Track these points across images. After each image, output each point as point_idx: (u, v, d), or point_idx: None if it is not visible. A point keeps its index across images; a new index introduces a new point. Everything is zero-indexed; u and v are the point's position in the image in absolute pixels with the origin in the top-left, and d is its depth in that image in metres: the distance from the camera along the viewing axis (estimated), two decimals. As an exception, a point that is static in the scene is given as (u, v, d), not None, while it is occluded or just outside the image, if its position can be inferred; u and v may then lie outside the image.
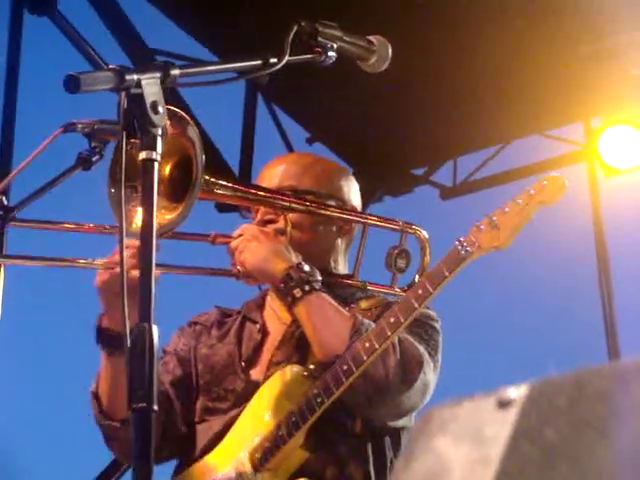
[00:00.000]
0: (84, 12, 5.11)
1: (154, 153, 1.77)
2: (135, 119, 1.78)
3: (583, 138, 5.83)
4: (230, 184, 2.71)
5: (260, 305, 2.87)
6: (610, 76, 5.31)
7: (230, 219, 5.05)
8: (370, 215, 2.89)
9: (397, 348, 2.54)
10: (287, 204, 2.74)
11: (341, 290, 2.78)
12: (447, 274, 2.43)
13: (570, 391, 1.08)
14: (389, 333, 2.46)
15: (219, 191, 2.68)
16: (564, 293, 6.15)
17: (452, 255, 2.44)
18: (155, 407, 1.66)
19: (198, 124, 2.36)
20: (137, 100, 1.78)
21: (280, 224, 2.76)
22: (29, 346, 5.95)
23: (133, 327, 2.62)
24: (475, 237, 2.42)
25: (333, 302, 2.63)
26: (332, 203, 2.83)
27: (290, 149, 5.90)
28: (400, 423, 2.68)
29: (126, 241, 2.57)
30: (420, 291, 2.46)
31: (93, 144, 2.31)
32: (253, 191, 2.77)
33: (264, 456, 2.58)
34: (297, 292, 2.60)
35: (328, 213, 2.79)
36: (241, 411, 2.68)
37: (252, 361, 2.76)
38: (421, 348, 2.60)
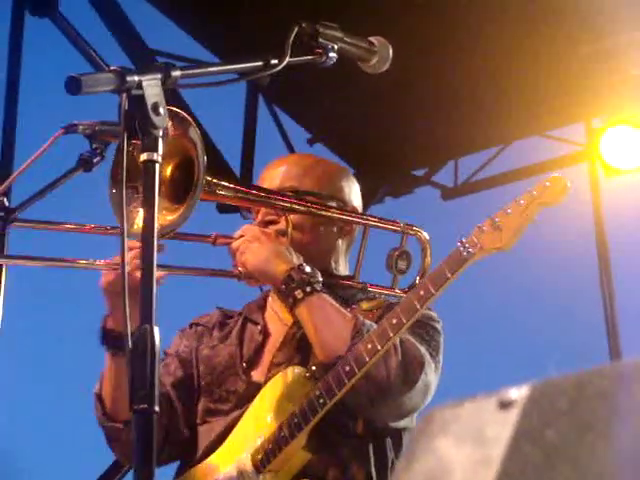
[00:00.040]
0: (85, 13, 5.12)
1: (155, 154, 1.77)
2: (136, 120, 1.78)
3: (584, 138, 5.83)
4: (231, 185, 2.71)
5: (261, 306, 2.87)
6: (611, 76, 5.31)
7: (231, 220, 5.05)
8: (371, 216, 2.89)
9: (399, 349, 2.54)
10: (288, 205, 2.74)
11: (342, 291, 2.78)
12: (449, 275, 2.42)
13: (571, 392, 1.08)
14: (391, 334, 2.46)
15: (220, 192, 2.68)
16: (565, 293, 6.15)
17: (454, 256, 2.43)
18: (156, 408, 1.66)
19: (199, 125, 2.36)
20: (138, 101, 1.79)
21: (281, 225, 2.76)
22: (29, 346, 5.95)
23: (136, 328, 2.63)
24: (477, 238, 2.42)
25: (334, 303, 2.63)
26: (333, 204, 2.83)
27: (291, 150, 5.90)
28: (401, 424, 2.68)
29: (130, 242, 2.59)
30: (422, 292, 2.45)
31: (94, 145, 2.31)
32: (254, 192, 2.77)
33: (266, 457, 2.58)
34: (298, 293, 2.60)
35: (329, 214, 2.79)
36: (243, 412, 2.68)
37: (253, 362, 2.76)
38: (422, 349, 2.60)
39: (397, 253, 2.80)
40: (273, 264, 2.63)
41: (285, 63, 2.10)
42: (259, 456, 2.59)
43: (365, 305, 2.75)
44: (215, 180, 2.65)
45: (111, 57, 5.01)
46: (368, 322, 2.60)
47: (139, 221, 1.93)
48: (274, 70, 2.10)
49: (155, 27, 5.41)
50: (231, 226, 2.80)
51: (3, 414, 4.92)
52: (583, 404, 1.07)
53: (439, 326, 2.71)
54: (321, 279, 2.65)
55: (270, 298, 2.86)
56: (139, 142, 1.78)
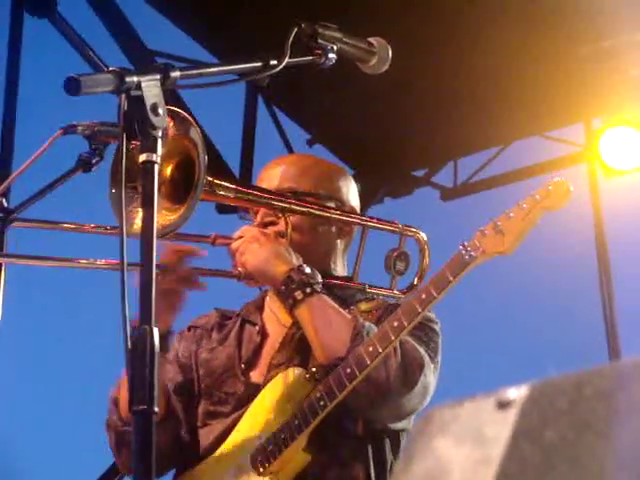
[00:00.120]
0: (84, 14, 5.12)
1: (154, 155, 1.77)
2: (135, 121, 1.78)
3: (583, 139, 5.83)
4: (232, 185, 2.71)
5: (259, 307, 2.87)
6: (610, 77, 5.31)
7: (229, 220, 5.05)
8: (369, 217, 2.89)
9: (398, 351, 2.54)
10: (287, 206, 2.74)
11: (341, 292, 2.78)
12: (451, 279, 2.42)
13: (570, 392, 1.08)
14: (392, 337, 2.46)
15: (221, 192, 2.68)
16: (564, 294, 6.15)
17: (456, 260, 2.43)
18: (156, 409, 1.66)
19: (198, 126, 2.36)
20: (137, 102, 1.79)
21: (280, 226, 2.76)
22: (29, 346, 5.95)
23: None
24: (479, 242, 2.42)
25: (334, 304, 2.63)
26: (331, 204, 2.83)
27: (290, 151, 5.90)
28: (400, 425, 2.68)
29: (171, 245, 2.59)
30: (424, 295, 2.45)
31: (93, 146, 2.31)
32: (254, 192, 2.77)
33: (266, 459, 2.58)
34: (298, 294, 2.59)
35: (328, 215, 2.79)
36: (242, 414, 2.68)
37: (252, 363, 2.75)
38: (422, 350, 2.60)
39: (395, 254, 2.80)
40: (273, 265, 2.63)
41: (284, 64, 2.10)
42: (259, 457, 2.59)
43: (364, 306, 2.75)
44: (215, 180, 2.65)
45: (110, 58, 5.02)
46: (367, 324, 2.60)
47: (139, 221, 1.93)
48: (273, 71, 2.10)
49: (154, 28, 5.41)
50: (230, 227, 2.80)
51: (3, 414, 4.92)
52: (582, 404, 1.07)
53: (437, 327, 2.71)
54: (321, 280, 2.65)
55: (268, 298, 2.86)
56: (138, 142, 1.79)
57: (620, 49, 5.15)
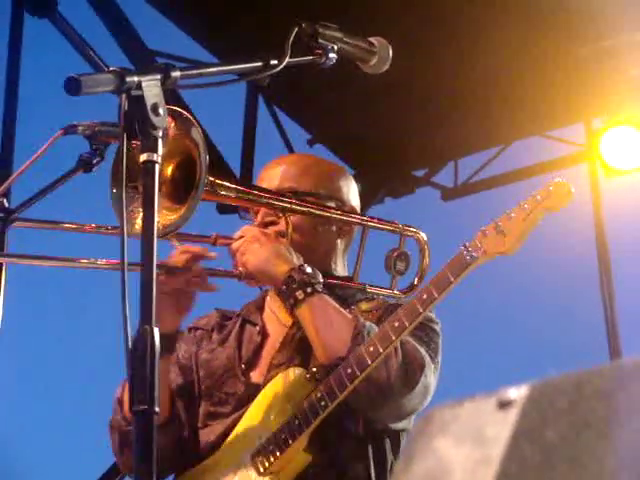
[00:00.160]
0: (84, 14, 5.12)
1: (155, 155, 1.77)
2: (136, 121, 1.78)
3: (584, 139, 5.83)
4: (233, 185, 2.71)
5: (260, 307, 2.87)
6: (611, 77, 5.31)
7: (230, 220, 5.05)
8: (369, 217, 2.89)
9: (399, 351, 2.54)
10: (288, 205, 2.74)
11: (341, 292, 2.78)
12: (452, 279, 2.42)
13: (570, 391, 1.08)
14: (393, 337, 2.46)
15: (222, 192, 2.68)
16: (565, 294, 6.16)
17: (457, 260, 2.43)
18: (157, 409, 1.66)
19: (199, 125, 2.36)
20: (138, 102, 1.79)
21: (281, 226, 2.76)
22: (29, 346, 5.96)
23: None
24: (480, 242, 2.42)
25: (335, 304, 2.63)
26: (332, 204, 2.83)
27: (291, 150, 5.90)
28: (400, 425, 2.68)
29: (182, 247, 2.60)
30: (425, 296, 2.45)
31: (94, 146, 2.31)
32: (255, 192, 2.77)
33: (266, 459, 2.58)
34: (299, 294, 2.59)
35: (328, 214, 2.79)
36: (243, 414, 2.68)
37: (252, 363, 2.75)
38: (422, 351, 2.60)
39: (395, 254, 2.80)
40: (274, 264, 2.63)
41: (285, 63, 2.10)
42: (260, 458, 2.59)
43: (364, 306, 2.75)
44: (217, 180, 2.65)
45: (110, 58, 5.02)
46: (368, 323, 2.60)
47: (140, 221, 1.93)
48: (274, 70, 2.10)
49: (155, 27, 5.41)
50: (231, 227, 2.80)
51: (3, 414, 4.92)
52: (582, 404, 1.07)
53: (438, 328, 2.71)
54: (322, 280, 2.65)
55: (268, 298, 2.86)
56: (139, 142, 1.79)
57: (620, 49, 5.15)
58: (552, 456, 1.07)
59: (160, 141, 1.78)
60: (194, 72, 1.99)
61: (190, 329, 2.89)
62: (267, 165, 2.92)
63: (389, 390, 2.53)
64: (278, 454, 2.56)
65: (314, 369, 2.61)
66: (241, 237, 2.69)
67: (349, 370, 2.49)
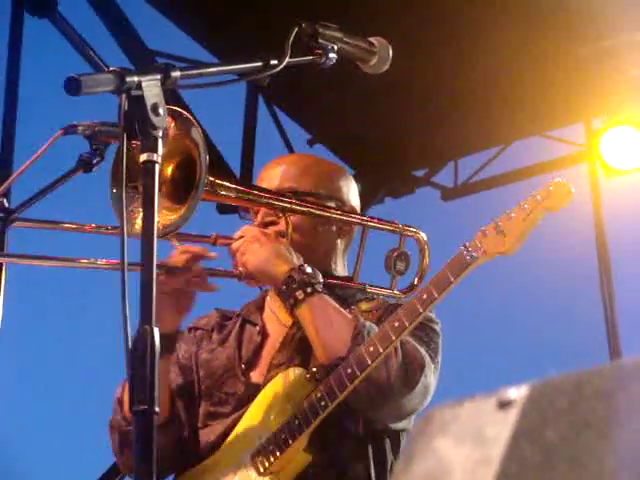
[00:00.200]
0: (84, 14, 5.12)
1: (155, 155, 1.77)
2: (136, 121, 1.78)
3: (584, 139, 5.83)
4: (233, 185, 2.71)
5: (260, 307, 2.87)
6: (611, 77, 5.31)
7: (230, 220, 5.05)
8: (369, 217, 2.89)
9: (399, 351, 2.54)
10: (288, 205, 2.74)
11: (341, 292, 2.78)
12: (452, 279, 2.42)
13: (570, 391, 1.08)
14: (393, 337, 2.46)
15: (222, 192, 2.68)
16: (565, 294, 6.16)
17: (457, 260, 2.43)
18: (157, 409, 1.66)
19: (199, 125, 2.36)
20: (138, 102, 1.79)
21: (281, 226, 2.76)
22: (29, 346, 5.96)
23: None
24: (480, 242, 2.42)
25: (335, 304, 2.63)
26: (332, 204, 2.83)
27: (291, 150, 5.90)
28: (400, 425, 2.68)
29: (181, 247, 2.60)
30: (425, 296, 2.45)
31: (94, 146, 2.31)
32: (255, 192, 2.77)
33: (266, 459, 2.58)
34: (299, 294, 2.59)
35: (328, 214, 2.79)
36: (243, 414, 2.68)
37: (252, 363, 2.75)
38: (422, 351, 2.60)
39: (395, 254, 2.80)
40: (274, 264, 2.63)
41: (285, 63, 2.10)
42: (260, 458, 2.59)
43: (364, 306, 2.75)
44: (217, 180, 2.65)
45: (110, 58, 5.02)
46: (368, 323, 2.60)
47: (140, 221, 1.93)
48: (274, 70, 2.10)
49: (154, 27, 5.41)
50: (231, 227, 2.81)
51: (3, 414, 4.92)
52: (582, 404, 1.07)
53: (438, 328, 2.71)
54: (322, 280, 2.65)
55: (268, 298, 2.86)
56: (139, 142, 1.79)
57: (621, 49, 5.15)
58: (552, 456, 1.07)
59: (160, 141, 1.78)
60: (194, 72, 1.99)
61: (190, 329, 2.89)
62: (267, 165, 2.92)
63: (389, 390, 2.54)
64: (278, 454, 2.56)
65: (314, 369, 2.61)
66: (241, 237, 2.69)
67: (349, 370, 2.49)
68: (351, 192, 2.91)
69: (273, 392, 2.65)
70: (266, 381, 2.68)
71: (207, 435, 2.72)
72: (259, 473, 2.58)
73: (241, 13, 5.15)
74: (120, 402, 2.69)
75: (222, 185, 2.67)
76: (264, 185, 2.82)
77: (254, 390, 2.68)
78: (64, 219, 2.61)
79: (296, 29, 2.17)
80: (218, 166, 5.28)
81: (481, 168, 6.17)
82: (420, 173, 6.31)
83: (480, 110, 5.56)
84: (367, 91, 5.22)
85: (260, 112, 5.78)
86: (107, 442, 2.78)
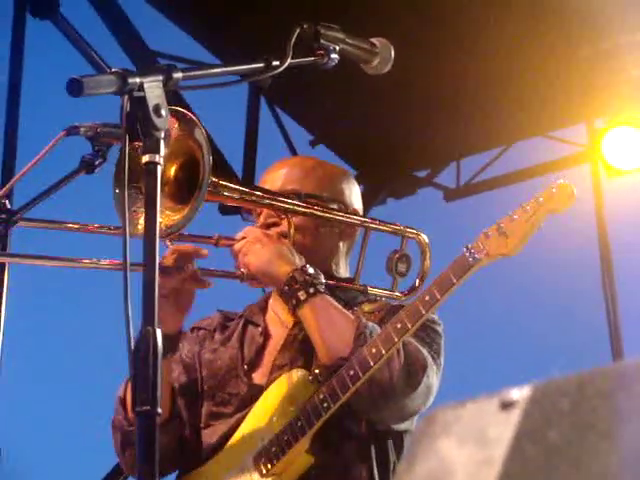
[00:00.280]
0: (86, 15, 5.12)
1: (157, 156, 1.78)
2: (138, 122, 1.78)
3: (586, 139, 5.83)
4: (236, 186, 2.71)
5: (262, 308, 2.87)
6: (612, 77, 5.31)
7: (232, 221, 5.05)
8: (371, 219, 2.89)
9: (401, 352, 2.54)
10: (291, 207, 2.74)
11: (343, 294, 2.78)
12: (455, 281, 2.42)
13: (572, 392, 1.08)
14: (396, 339, 2.46)
15: (225, 193, 2.68)
16: (567, 295, 6.15)
17: (460, 262, 2.43)
18: (159, 410, 1.66)
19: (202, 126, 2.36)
20: (140, 103, 1.79)
21: (283, 227, 2.76)
22: (30, 346, 5.96)
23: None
24: (483, 244, 2.41)
25: (337, 305, 2.63)
26: (334, 206, 2.82)
27: (293, 152, 5.90)
28: (402, 426, 2.68)
29: (172, 247, 2.60)
30: (427, 297, 2.45)
31: (96, 147, 2.31)
32: (258, 193, 2.77)
33: (269, 460, 2.58)
34: (302, 295, 2.59)
35: (331, 216, 2.79)
36: (245, 415, 2.68)
37: (254, 364, 2.75)
38: (424, 352, 2.60)
39: (397, 256, 2.80)
40: (276, 265, 2.63)
41: (287, 64, 2.10)
42: (262, 459, 2.59)
43: (367, 307, 2.75)
44: (220, 181, 2.65)
45: (112, 59, 5.02)
46: (370, 324, 2.60)
47: (143, 221, 1.93)
48: (276, 72, 2.10)
49: (156, 28, 5.42)
50: (233, 228, 2.80)
51: (4, 414, 4.92)
52: (584, 404, 1.07)
53: (440, 329, 2.71)
54: (324, 281, 2.65)
55: (271, 300, 2.86)
56: (141, 143, 1.79)
57: (622, 49, 5.15)
58: (554, 457, 1.07)
59: (162, 142, 1.78)
60: (196, 73, 1.99)
61: (193, 329, 2.90)
62: (270, 168, 2.92)
63: (391, 391, 2.53)
64: (281, 456, 2.56)
65: (316, 371, 2.61)
66: (243, 238, 2.69)
67: (351, 372, 2.48)
68: (354, 195, 2.90)
69: (276, 394, 2.65)
70: (269, 382, 2.68)
71: (209, 436, 2.72)
72: (262, 475, 2.58)
73: (242, 13, 5.14)
74: (122, 402, 2.69)
75: (225, 186, 2.67)
76: (267, 187, 2.82)
77: (257, 391, 2.68)
78: (67, 220, 2.61)
79: (298, 30, 2.17)
80: (220, 167, 5.28)
81: (483, 169, 6.17)
82: (422, 174, 6.31)
83: (482, 111, 5.56)
84: (369, 92, 5.22)
85: (262, 113, 5.77)
86: (110, 442, 2.78)
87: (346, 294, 2.80)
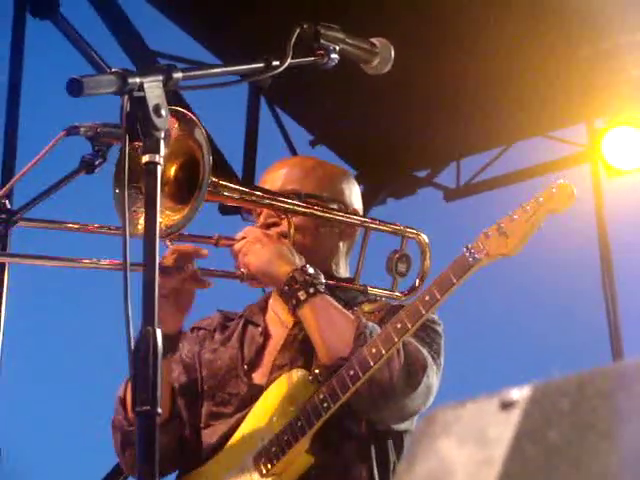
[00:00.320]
0: (86, 15, 5.12)
1: (157, 156, 1.78)
2: (138, 122, 1.78)
3: (586, 139, 5.83)
4: (236, 186, 2.71)
5: (262, 308, 2.87)
6: (612, 77, 5.31)
7: (232, 221, 5.05)
8: (371, 219, 2.89)
9: (401, 352, 2.54)
10: (291, 207, 2.74)
11: (343, 294, 2.78)
12: (455, 281, 2.42)
13: (572, 392, 1.08)
14: (396, 339, 2.46)
15: (225, 193, 2.68)
16: (567, 295, 6.15)
17: (460, 262, 2.43)
18: (159, 410, 1.66)
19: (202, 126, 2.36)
20: (140, 103, 1.79)
21: (283, 227, 2.76)
22: (30, 346, 5.96)
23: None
24: (483, 244, 2.42)
25: (337, 305, 2.63)
26: (334, 206, 2.83)
27: (293, 152, 5.90)
28: (403, 426, 2.68)
29: (172, 247, 2.60)
30: (427, 297, 2.45)
31: (96, 147, 2.31)
32: (258, 193, 2.77)
33: (269, 460, 2.58)
34: (302, 294, 2.59)
35: (331, 216, 2.79)
36: (245, 415, 2.68)
37: (254, 364, 2.76)
38: (424, 352, 2.60)
39: (397, 256, 2.80)
40: (276, 265, 2.63)
41: (287, 64, 2.10)
42: (262, 459, 2.59)
43: (367, 307, 2.75)
44: (220, 181, 2.65)
45: (112, 59, 5.02)
46: (370, 324, 2.60)
47: (143, 221, 1.93)
48: (276, 72, 2.10)
49: (156, 28, 5.42)
50: (233, 228, 2.80)
51: (3, 414, 4.93)
52: (584, 404, 1.07)
53: (440, 329, 2.71)
54: (324, 281, 2.65)
55: (271, 300, 2.86)
56: (141, 143, 1.79)
57: (622, 49, 5.15)
58: (555, 457, 1.07)
59: (162, 142, 1.78)
60: (196, 73, 2.00)
61: (193, 329, 2.90)
62: (270, 168, 2.92)
63: (391, 391, 2.54)
64: (281, 456, 2.56)
65: (316, 371, 2.61)
66: (243, 238, 2.69)
67: (352, 372, 2.49)
68: (354, 195, 2.91)
69: (276, 394, 2.65)
70: (269, 382, 2.68)
71: (209, 436, 2.72)
72: (262, 475, 2.58)
73: (242, 13, 5.14)
74: (122, 402, 2.69)
75: (225, 186, 2.67)
76: (267, 187, 2.82)
77: (257, 391, 2.68)
78: (67, 220, 2.61)
79: (298, 30, 2.17)
80: (220, 167, 5.28)
81: (483, 169, 6.17)
82: (422, 174, 6.31)
83: (482, 111, 5.56)
84: (369, 92, 5.22)
85: (262, 113, 5.77)
86: (110, 442, 2.78)
87: (346, 294, 2.80)
